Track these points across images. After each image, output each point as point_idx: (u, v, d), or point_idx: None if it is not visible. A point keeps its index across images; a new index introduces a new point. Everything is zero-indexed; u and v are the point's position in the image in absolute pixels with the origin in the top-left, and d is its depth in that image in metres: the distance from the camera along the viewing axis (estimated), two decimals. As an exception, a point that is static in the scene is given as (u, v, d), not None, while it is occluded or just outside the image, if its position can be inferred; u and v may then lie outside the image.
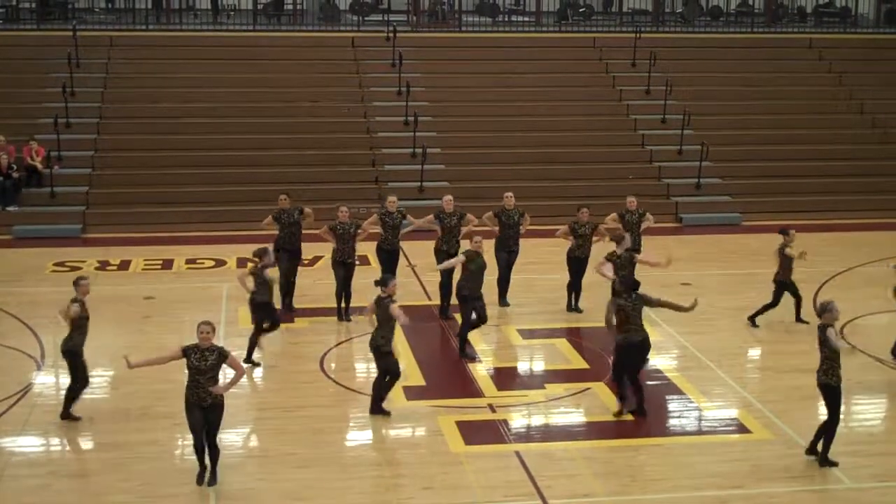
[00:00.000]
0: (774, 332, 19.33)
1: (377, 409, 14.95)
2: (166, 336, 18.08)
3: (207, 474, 12.85)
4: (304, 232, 19.98)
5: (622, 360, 15.06)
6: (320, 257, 23.30)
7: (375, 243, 20.15)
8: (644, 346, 15.06)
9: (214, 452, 12.90)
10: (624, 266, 17.73)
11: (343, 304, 19.19)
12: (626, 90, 31.21)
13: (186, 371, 12.67)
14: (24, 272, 22.17)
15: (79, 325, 14.72)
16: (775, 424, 14.96)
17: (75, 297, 14.74)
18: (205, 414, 12.65)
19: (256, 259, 16.97)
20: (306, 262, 23.03)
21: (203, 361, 12.57)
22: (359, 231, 19.39)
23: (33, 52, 30.26)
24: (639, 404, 15.08)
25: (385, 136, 29.06)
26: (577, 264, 19.95)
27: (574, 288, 19.98)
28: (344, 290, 19.19)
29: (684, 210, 27.83)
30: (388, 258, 19.78)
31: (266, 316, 17.13)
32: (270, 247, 18.00)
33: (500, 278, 20.17)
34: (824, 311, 13.52)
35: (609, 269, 17.62)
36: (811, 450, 13.73)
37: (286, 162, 28.00)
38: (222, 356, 12.70)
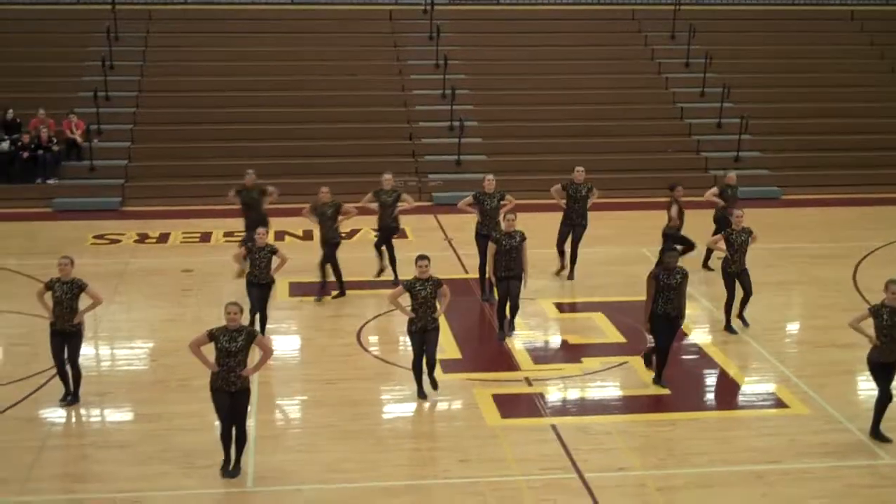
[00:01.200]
0: (812, 307, 19.25)
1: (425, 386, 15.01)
2: (205, 309, 18.21)
3: (231, 465, 12.64)
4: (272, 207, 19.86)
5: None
6: (358, 230, 23.36)
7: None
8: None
9: (242, 439, 12.66)
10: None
11: (323, 279, 19.04)
12: (665, 63, 31.03)
13: (215, 354, 12.43)
14: (64, 245, 22.31)
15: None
16: (813, 399, 14.90)
17: (50, 281, 14.31)
18: (232, 399, 12.42)
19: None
20: (343, 235, 23.12)
21: (233, 343, 12.30)
22: (340, 214, 19.12)
23: (72, 26, 30.42)
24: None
25: (422, 109, 29.05)
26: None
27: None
28: (328, 264, 19.01)
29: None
30: (381, 236, 19.71)
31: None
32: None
33: (559, 250, 20.20)
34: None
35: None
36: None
37: (323, 135, 28.08)
38: (251, 336, 12.48)
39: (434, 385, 14.76)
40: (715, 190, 20.79)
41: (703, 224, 20.71)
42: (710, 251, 19.99)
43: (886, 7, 34.98)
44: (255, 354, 12.77)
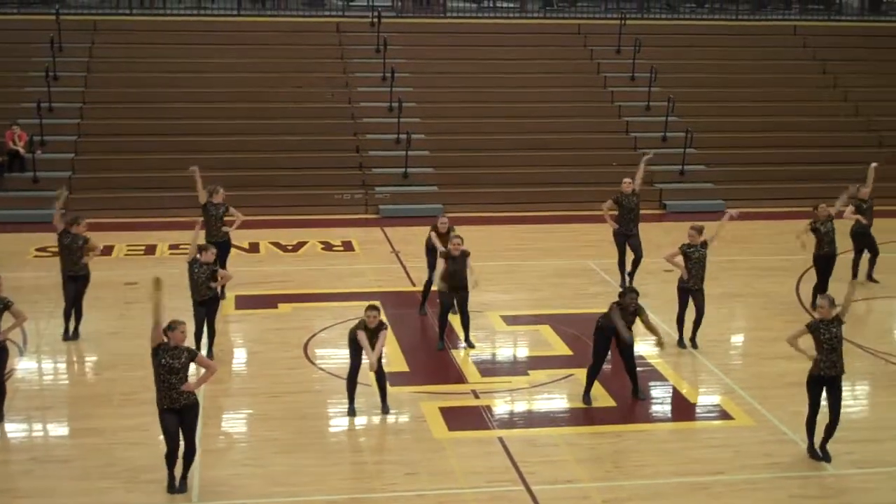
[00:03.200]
0: (756, 319, 19.42)
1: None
2: (149, 322, 17.95)
3: (178, 480, 12.49)
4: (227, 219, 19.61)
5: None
6: (305, 242, 23.31)
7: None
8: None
9: (191, 454, 12.49)
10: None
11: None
12: (611, 77, 31.22)
13: (155, 373, 12.24)
14: (5, 257, 22.08)
15: None
16: (757, 411, 15.02)
17: None
18: (180, 416, 12.27)
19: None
20: (290, 247, 23.06)
21: (176, 360, 12.16)
22: (228, 217, 19.04)
23: (16, 37, 30.11)
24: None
25: (369, 121, 29.02)
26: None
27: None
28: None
29: (668, 197, 27.88)
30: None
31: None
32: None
33: (620, 262, 20.31)
34: (833, 304, 13.42)
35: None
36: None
37: (270, 148, 27.96)
38: (192, 355, 12.37)
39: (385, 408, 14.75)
40: (852, 207, 20.76)
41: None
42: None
43: (829, 23, 35.43)
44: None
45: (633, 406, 15.19)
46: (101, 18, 31.21)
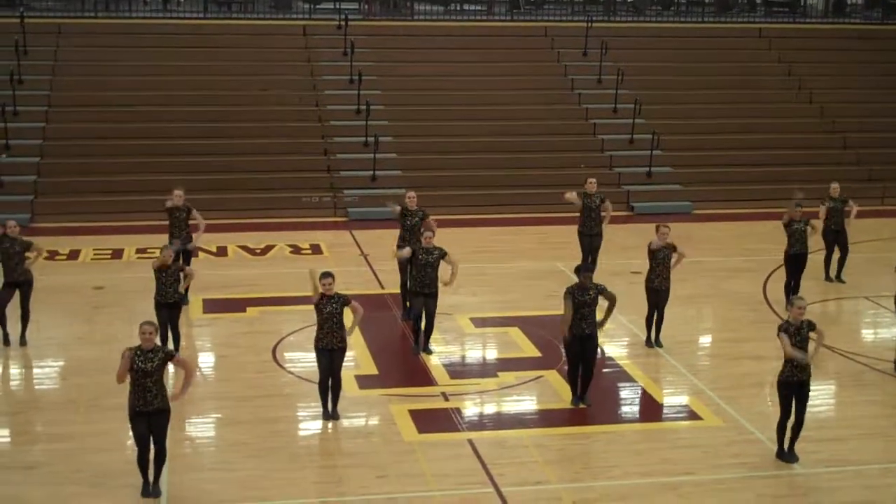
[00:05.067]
0: (723, 320, 19.53)
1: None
2: (117, 326, 17.96)
3: (151, 485, 12.43)
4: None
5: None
6: (273, 246, 23.25)
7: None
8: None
9: (161, 459, 12.43)
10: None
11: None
12: (578, 79, 31.30)
13: (130, 376, 12.14)
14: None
15: None
16: (725, 411, 15.09)
17: None
18: (150, 420, 12.18)
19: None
20: (258, 251, 23.01)
21: (149, 363, 12.05)
22: (191, 219, 19.06)
23: (-21, 40, 29.88)
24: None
25: (337, 124, 28.97)
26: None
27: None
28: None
29: (635, 199, 27.98)
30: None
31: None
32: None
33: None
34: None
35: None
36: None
37: (237, 151, 27.87)
38: (168, 356, 12.28)
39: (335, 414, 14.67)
40: (825, 207, 21.16)
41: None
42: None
43: (794, 25, 35.68)
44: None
45: (602, 407, 15.22)
46: (66, 21, 31.00)
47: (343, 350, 14.50)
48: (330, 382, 14.53)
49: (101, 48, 30.17)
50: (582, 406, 15.14)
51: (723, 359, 17.46)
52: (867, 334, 19.27)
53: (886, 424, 14.97)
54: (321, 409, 14.63)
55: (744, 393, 15.78)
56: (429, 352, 17.10)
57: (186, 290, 17.56)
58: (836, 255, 21.21)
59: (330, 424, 14.48)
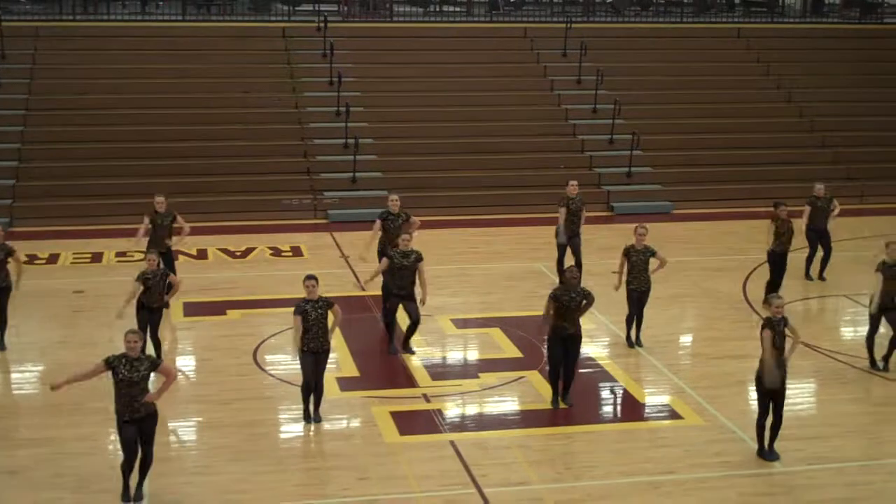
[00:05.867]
0: (704, 319, 19.58)
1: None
2: (97, 330, 17.89)
3: (133, 490, 12.37)
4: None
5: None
6: (253, 248, 23.22)
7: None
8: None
9: (148, 463, 12.37)
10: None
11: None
12: (558, 80, 31.33)
13: (114, 384, 12.08)
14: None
15: None
16: (707, 410, 15.14)
17: None
18: (139, 426, 12.11)
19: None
20: (238, 253, 22.96)
21: (135, 373, 11.95)
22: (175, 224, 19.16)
23: (-43, 43, 29.74)
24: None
25: (317, 126, 28.92)
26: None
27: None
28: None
29: (615, 199, 28.03)
30: None
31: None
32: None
33: (560, 263, 20.26)
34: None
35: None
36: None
37: (217, 153, 27.79)
38: (154, 365, 12.18)
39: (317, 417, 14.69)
40: (808, 207, 21.31)
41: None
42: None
43: (772, 25, 35.82)
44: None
45: (583, 407, 15.24)
46: (44, 24, 30.86)
47: (327, 353, 14.49)
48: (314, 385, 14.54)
49: (80, 51, 30.06)
50: (563, 406, 15.15)
51: (703, 358, 17.50)
52: (847, 333, 19.35)
53: (867, 422, 15.05)
54: (302, 412, 14.60)
55: (725, 392, 15.83)
56: (411, 352, 17.10)
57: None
58: (820, 254, 21.31)
59: (312, 427, 14.46)
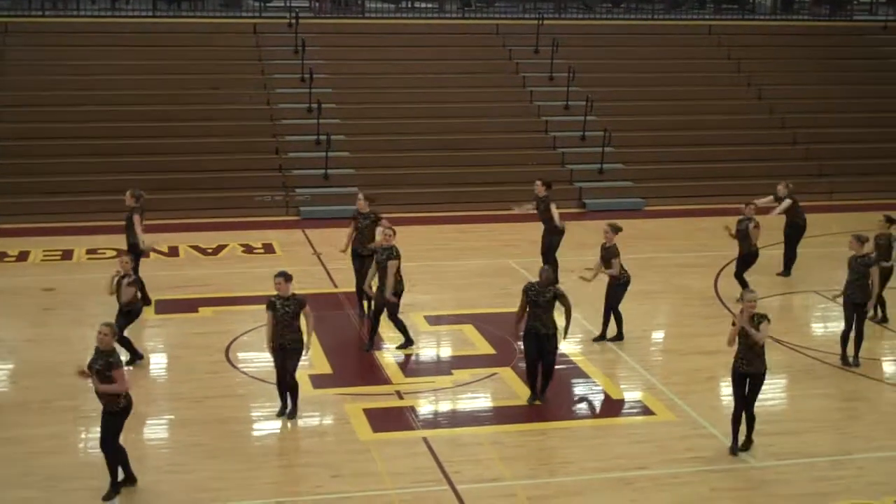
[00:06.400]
0: (676, 315, 19.66)
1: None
2: (68, 328, 17.80)
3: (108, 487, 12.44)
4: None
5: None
6: (225, 245, 23.14)
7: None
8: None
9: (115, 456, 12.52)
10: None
11: None
12: (530, 76, 31.36)
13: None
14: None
15: None
16: (679, 406, 15.19)
17: None
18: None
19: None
20: (210, 251, 22.88)
21: (97, 363, 12.14)
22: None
23: (-75, 39, 29.50)
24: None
25: (288, 123, 28.84)
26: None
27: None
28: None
29: (587, 195, 28.07)
30: None
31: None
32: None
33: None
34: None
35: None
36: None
37: (188, 150, 27.65)
38: (109, 366, 12.16)
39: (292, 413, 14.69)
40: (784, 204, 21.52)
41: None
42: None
43: (742, 21, 35.95)
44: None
45: (556, 403, 15.27)
46: (12, 20, 30.64)
47: (297, 351, 14.40)
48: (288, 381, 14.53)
49: (49, 47, 29.85)
50: (537, 402, 15.17)
51: (675, 354, 17.57)
52: (817, 328, 19.46)
53: (837, 417, 15.15)
54: (278, 408, 14.61)
55: (696, 388, 15.89)
56: (368, 349, 17.19)
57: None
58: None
59: (288, 423, 14.43)
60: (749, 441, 13.77)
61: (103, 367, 12.11)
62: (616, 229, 17.72)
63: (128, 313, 16.12)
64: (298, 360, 14.49)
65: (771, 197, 21.86)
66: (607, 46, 33.02)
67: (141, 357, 16.28)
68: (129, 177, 25.43)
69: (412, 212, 25.77)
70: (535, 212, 20.59)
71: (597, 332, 17.79)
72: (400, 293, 17.06)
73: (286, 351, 14.32)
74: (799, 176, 25.82)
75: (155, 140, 27.79)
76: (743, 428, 13.73)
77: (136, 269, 17.35)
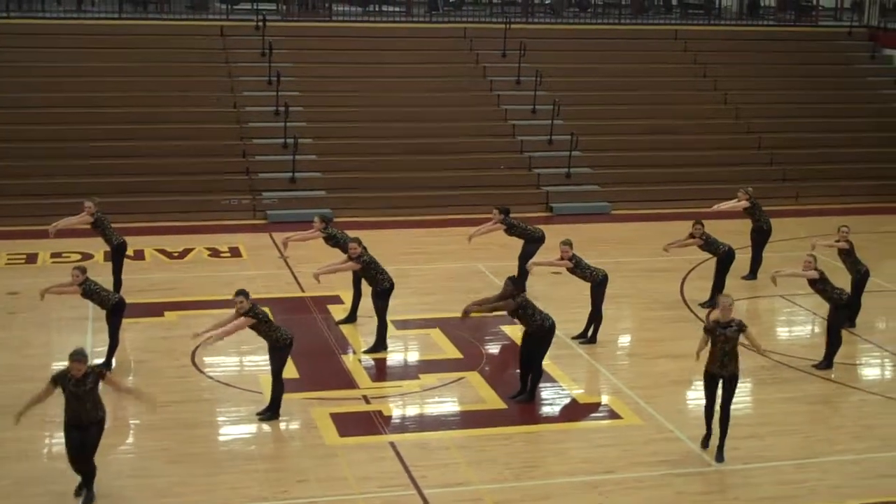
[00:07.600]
0: (642, 320, 19.73)
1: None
2: (32, 332, 17.68)
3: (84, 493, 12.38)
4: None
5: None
6: (191, 249, 23.05)
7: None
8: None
9: (90, 473, 12.37)
10: None
11: None
12: (497, 80, 31.41)
13: (65, 397, 12.10)
14: None
15: None
16: (644, 410, 15.26)
17: None
18: (81, 434, 12.12)
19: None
20: (176, 254, 22.79)
21: (80, 387, 12.02)
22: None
23: None
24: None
25: (255, 126, 28.76)
26: None
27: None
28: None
29: (554, 199, 28.14)
30: None
31: None
32: None
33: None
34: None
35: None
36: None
37: (154, 153, 27.51)
38: (99, 377, 12.17)
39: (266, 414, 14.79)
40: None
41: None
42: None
43: (708, 27, 36.12)
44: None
45: (522, 408, 15.31)
46: (-23, 22, 30.44)
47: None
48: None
49: (14, 49, 29.60)
50: (514, 398, 15.44)
51: (641, 358, 17.64)
52: (782, 332, 19.60)
53: (801, 421, 15.24)
54: (244, 413, 14.61)
55: (662, 392, 15.97)
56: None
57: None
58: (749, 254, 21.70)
59: (253, 427, 14.40)
60: (722, 447, 13.82)
61: (93, 384, 12.08)
62: (568, 242, 17.95)
63: (114, 307, 16.08)
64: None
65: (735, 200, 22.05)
66: (574, 51, 33.13)
67: (110, 368, 16.20)
68: (95, 179, 25.33)
69: (379, 216, 25.76)
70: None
71: (572, 335, 17.87)
72: (389, 290, 17.35)
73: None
74: (764, 181, 25.99)
75: (121, 143, 27.63)
76: (716, 429, 13.81)
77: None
